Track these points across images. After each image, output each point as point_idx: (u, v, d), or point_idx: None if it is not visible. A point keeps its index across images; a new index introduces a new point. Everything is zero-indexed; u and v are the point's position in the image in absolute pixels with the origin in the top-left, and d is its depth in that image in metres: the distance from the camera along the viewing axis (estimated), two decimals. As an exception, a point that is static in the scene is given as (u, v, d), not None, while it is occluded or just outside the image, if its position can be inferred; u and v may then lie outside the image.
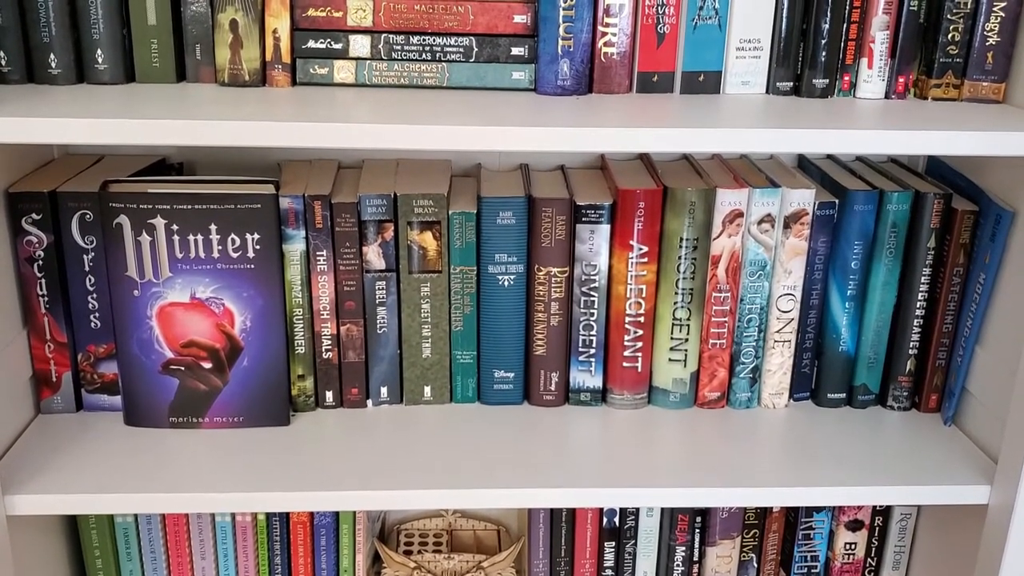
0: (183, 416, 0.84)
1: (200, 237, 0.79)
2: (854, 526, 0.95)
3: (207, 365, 0.83)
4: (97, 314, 0.84)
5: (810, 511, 0.95)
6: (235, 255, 0.80)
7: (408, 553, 1.02)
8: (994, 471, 0.80)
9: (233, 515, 0.93)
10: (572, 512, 0.95)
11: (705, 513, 0.94)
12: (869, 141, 0.68)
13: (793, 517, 0.96)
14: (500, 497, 0.77)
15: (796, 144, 0.68)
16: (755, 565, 0.99)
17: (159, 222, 0.78)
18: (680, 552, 0.95)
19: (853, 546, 0.96)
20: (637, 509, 0.95)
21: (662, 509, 0.95)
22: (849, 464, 0.82)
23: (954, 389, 0.88)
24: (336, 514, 0.94)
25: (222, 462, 0.80)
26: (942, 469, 0.81)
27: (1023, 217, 0.80)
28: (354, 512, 0.94)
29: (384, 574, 1.02)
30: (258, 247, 0.80)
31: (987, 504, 0.80)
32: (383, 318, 0.87)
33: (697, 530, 0.95)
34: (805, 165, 0.96)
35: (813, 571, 0.98)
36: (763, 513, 0.96)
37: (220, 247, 0.79)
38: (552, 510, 0.95)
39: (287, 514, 0.93)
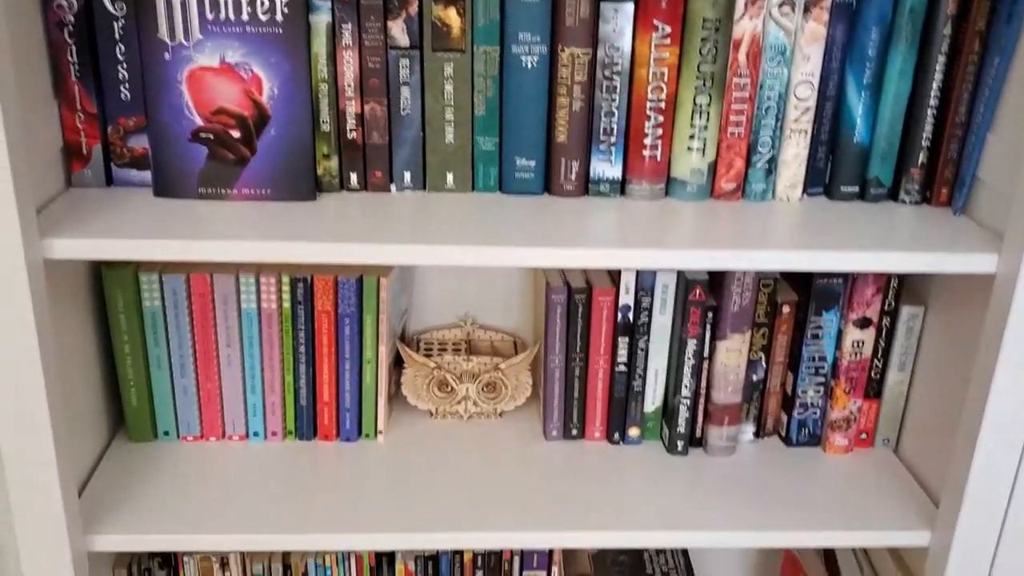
0: (212, 187, 0.86)
1: (230, -3, 0.80)
2: (862, 323, 0.98)
3: (236, 134, 0.85)
4: (127, 85, 0.86)
5: (819, 310, 0.98)
6: (264, 18, 0.81)
7: (428, 357, 1.05)
8: (1002, 245, 0.82)
9: (259, 301, 0.95)
10: (588, 307, 0.98)
11: (717, 309, 0.97)
12: None
13: (802, 317, 0.99)
14: (520, 256, 0.79)
15: None
16: (764, 365, 1.01)
17: (189, -20, 0.80)
18: (691, 346, 0.98)
19: (861, 344, 0.99)
20: (651, 305, 0.97)
21: (674, 304, 0.97)
22: (861, 239, 0.84)
23: (965, 178, 0.89)
24: (360, 302, 0.96)
25: (251, 226, 0.81)
26: (951, 245, 0.83)
27: (1041, -5, 0.81)
28: (377, 300, 0.96)
29: (405, 374, 1.05)
30: (286, 10, 0.81)
31: (994, 273, 0.82)
32: (406, 99, 0.88)
33: (708, 324, 0.97)
34: (825, -33, 0.97)
35: (821, 371, 1.01)
36: (773, 312, 0.99)
37: (249, 8, 0.80)
38: (569, 305, 0.97)
39: (312, 302, 0.96)
